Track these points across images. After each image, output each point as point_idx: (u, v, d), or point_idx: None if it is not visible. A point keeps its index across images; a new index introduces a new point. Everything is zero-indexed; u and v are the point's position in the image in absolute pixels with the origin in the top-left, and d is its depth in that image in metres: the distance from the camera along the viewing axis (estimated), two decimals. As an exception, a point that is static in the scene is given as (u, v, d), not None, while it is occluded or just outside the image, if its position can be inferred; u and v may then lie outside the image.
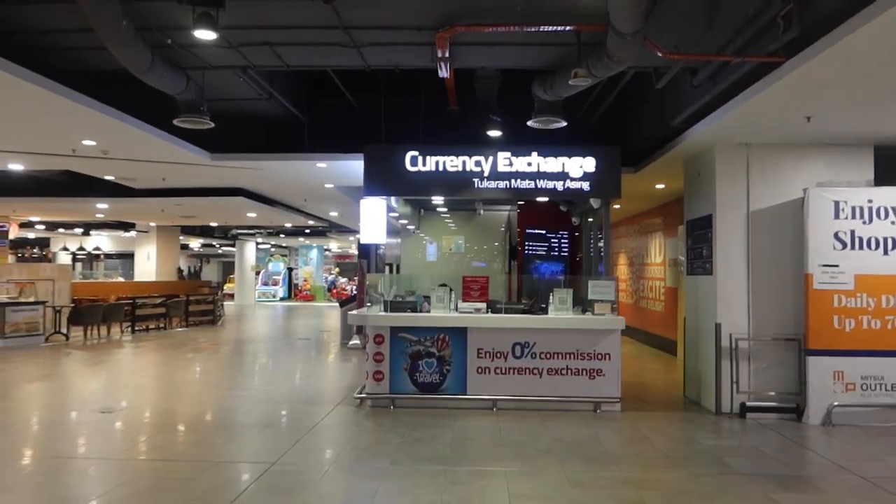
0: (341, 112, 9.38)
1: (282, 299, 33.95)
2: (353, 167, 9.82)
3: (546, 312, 8.03)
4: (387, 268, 15.65)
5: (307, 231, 26.82)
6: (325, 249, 39.56)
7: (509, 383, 7.68)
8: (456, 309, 8.02)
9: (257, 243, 32.19)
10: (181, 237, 24.55)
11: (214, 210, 16.57)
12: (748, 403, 7.49)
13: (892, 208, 7.19)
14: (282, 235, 29.07)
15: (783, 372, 7.52)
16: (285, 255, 37.69)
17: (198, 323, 18.07)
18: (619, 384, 7.71)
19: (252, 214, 17.19)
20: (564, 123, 7.24)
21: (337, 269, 42.84)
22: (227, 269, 41.40)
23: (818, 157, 7.58)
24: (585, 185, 8.05)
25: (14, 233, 19.29)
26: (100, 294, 18.24)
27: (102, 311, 15.14)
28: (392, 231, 12.42)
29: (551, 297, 7.93)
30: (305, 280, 35.39)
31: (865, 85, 5.38)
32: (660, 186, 11.15)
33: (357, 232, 26.61)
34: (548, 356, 7.71)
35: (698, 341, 8.29)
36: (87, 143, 8.46)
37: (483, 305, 7.96)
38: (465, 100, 8.81)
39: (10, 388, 9.00)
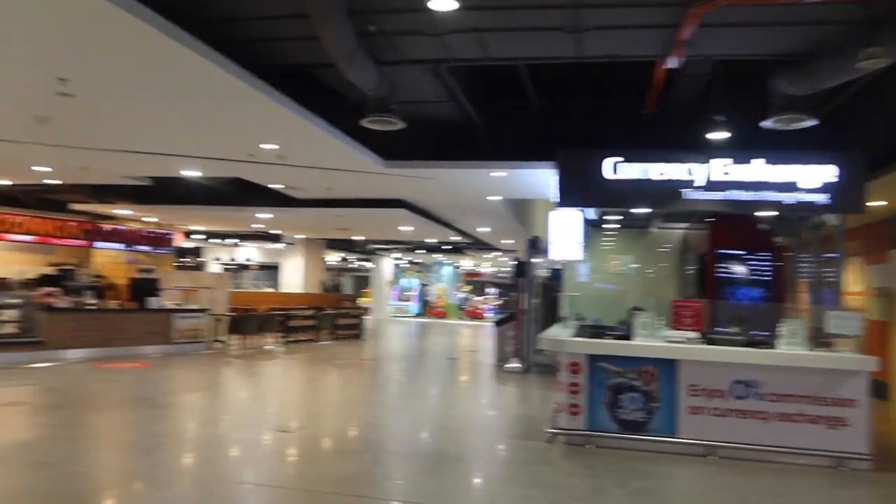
0: (522, 116, 8.55)
1: (415, 315, 33.86)
2: (533, 177, 9.03)
3: (767, 345, 6.83)
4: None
5: (444, 247, 26.42)
6: (456, 266, 39.21)
7: (728, 427, 6.52)
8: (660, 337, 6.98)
9: (395, 259, 32.30)
10: (323, 251, 24.93)
11: (371, 222, 16.33)
12: None
13: None
14: (418, 251, 28.89)
15: None
16: (419, 272, 37.66)
17: (344, 337, 17.96)
18: (868, 438, 6.36)
19: (408, 228, 16.80)
20: (815, 122, 6.07)
21: (469, 287, 42.38)
22: (359, 283, 42.01)
23: None
24: (822, 198, 6.81)
25: (179, 241, 20.14)
26: (251, 304, 18.56)
27: (259, 322, 15.27)
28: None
29: (781, 329, 6.71)
30: (439, 297, 35.13)
31: None
32: (880, 203, 9.51)
33: (498, 250, 26.04)
34: (776, 398, 6.49)
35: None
36: (266, 146, 8.17)
37: (696, 335, 6.88)
38: (661, 101, 7.79)
39: (194, 400, 8.97)
